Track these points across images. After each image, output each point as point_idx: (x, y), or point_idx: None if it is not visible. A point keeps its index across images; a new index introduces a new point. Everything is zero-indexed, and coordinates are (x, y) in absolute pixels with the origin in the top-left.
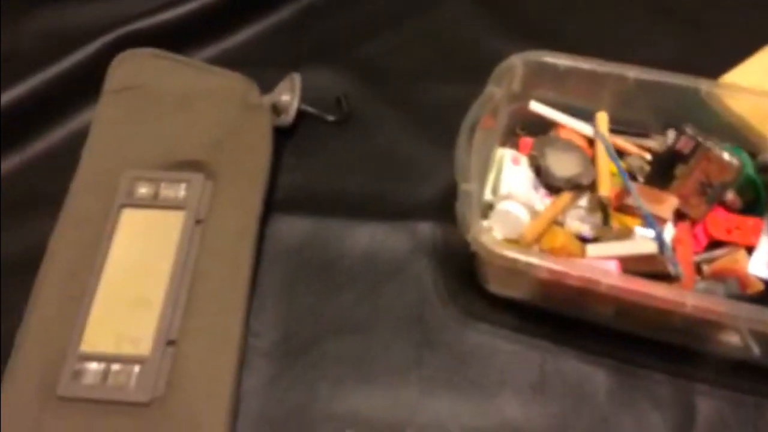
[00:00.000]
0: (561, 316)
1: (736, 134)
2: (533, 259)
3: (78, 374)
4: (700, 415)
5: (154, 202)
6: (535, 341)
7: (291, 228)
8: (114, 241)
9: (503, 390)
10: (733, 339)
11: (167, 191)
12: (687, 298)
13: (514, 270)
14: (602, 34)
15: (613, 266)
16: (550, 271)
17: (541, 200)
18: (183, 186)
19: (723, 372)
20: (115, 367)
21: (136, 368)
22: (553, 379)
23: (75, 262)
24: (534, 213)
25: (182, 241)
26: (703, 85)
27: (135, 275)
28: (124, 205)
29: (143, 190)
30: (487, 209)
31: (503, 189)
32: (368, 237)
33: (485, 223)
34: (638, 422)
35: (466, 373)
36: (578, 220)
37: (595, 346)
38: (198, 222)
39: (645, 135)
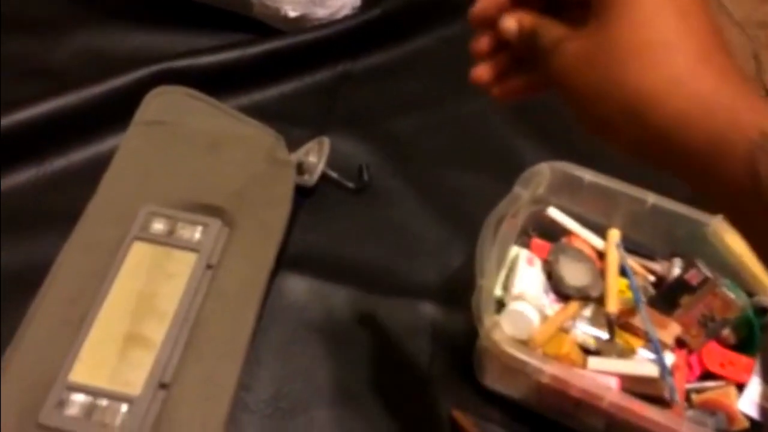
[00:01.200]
0: (549, 421)
1: (735, 272)
2: (541, 364)
3: (62, 404)
4: None
5: (167, 240)
6: None
7: (296, 286)
8: (121, 272)
9: None
10: None
11: (183, 231)
12: (683, 427)
13: (516, 369)
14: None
15: (613, 383)
16: (555, 378)
17: (550, 305)
18: (199, 229)
19: None
20: (102, 402)
21: (124, 407)
22: None
23: (77, 288)
24: (544, 316)
25: (191, 283)
26: (712, 220)
27: (137, 311)
28: (136, 238)
29: (159, 226)
30: (495, 305)
31: (516, 288)
32: (371, 309)
33: (495, 318)
34: None
35: None
36: (584, 330)
37: None
38: (209, 267)
39: (651, 258)
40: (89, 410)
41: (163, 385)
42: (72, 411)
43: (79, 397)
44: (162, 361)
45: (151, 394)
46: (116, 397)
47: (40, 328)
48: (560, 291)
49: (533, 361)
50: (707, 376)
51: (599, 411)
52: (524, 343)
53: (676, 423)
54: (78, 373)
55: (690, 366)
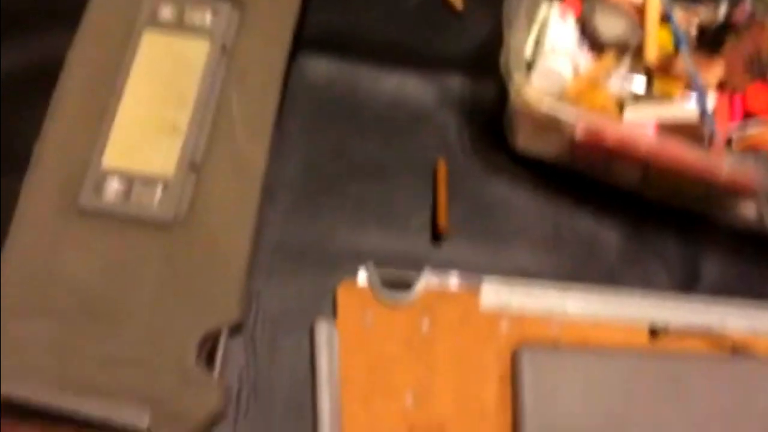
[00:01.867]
0: (582, 178)
1: None
2: (575, 117)
3: (99, 188)
4: (704, 277)
5: (177, 26)
6: (553, 198)
7: (317, 68)
8: (136, 60)
9: (518, 240)
10: (749, 210)
11: (192, 14)
12: (724, 164)
13: (549, 127)
14: None
15: (650, 130)
16: (589, 130)
17: (585, 59)
18: (209, 11)
19: (733, 238)
20: (138, 184)
21: (159, 187)
22: (566, 235)
23: (95, 77)
24: (577, 71)
25: (208, 67)
26: None
27: (157, 98)
28: (146, 26)
29: (167, 12)
30: (527, 64)
31: (548, 44)
32: (396, 85)
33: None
34: (644, 277)
35: (482, 223)
36: (620, 81)
37: (612, 208)
38: (224, 49)
39: (697, 0)
40: (126, 193)
41: (194, 166)
42: (110, 195)
43: (114, 181)
44: (190, 143)
45: (183, 175)
46: (150, 180)
47: (65, 119)
48: (596, 42)
49: (566, 115)
50: (747, 119)
51: (635, 161)
52: (557, 99)
53: (717, 162)
54: (111, 159)
55: (732, 109)
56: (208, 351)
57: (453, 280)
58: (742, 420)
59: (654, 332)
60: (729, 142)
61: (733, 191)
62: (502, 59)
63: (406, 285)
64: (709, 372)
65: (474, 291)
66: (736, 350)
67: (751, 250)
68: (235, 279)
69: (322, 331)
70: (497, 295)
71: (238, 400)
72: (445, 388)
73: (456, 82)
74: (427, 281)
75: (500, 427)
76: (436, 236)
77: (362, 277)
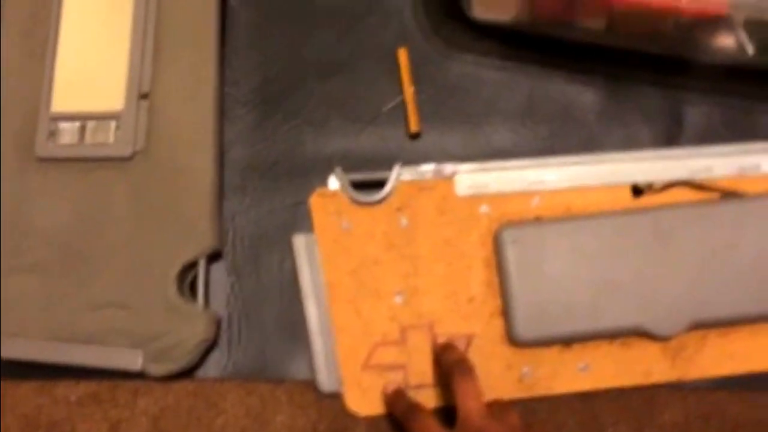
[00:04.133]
0: (549, 41)
1: None
2: None
3: (54, 134)
4: (688, 123)
5: None
6: (522, 68)
7: None
8: None
9: (491, 118)
10: (726, 41)
11: None
12: None
13: None
14: None
15: None
16: None
17: None
18: None
19: (713, 78)
20: (91, 124)
21: (113, 124)
22: (541, 103)
23: (29, 20)
24: None
25: None
26: None
27: (95, 29)
28: None
29: None
30: None
31: None
32: None
33: None
34: (627, 136)
35: (452, 105)
36: None
37: (584, 66)
38: None
39: None
40: (81, 134)
41: (143, 95)
42: (65, 139)
43: (67, 125)
44: (135, 72)
45: (134, 106)
46: (102, 117)
47: (8, 72)
48: None
49: None
50: None
51: (596, 3)
52: None
53: None
54: (59, 103)
55: None
56: (190, 281)
57: (427, 172)
58: (734, 261)
59: (637, 190)
60: None
61: (704, 20)
62: None
63: (379, 185)
64: (696, 219)
65: (449, 179)
66: (724, 194)
67: (733, 87)
68: (205, 205)
69: (300, 244)
70: (473, 179)
71: (229, 326)
72: (432, 281)
73: None
74: (400, 177)
75: (490, 311)
76: (411, 136)
77: (333, 183)
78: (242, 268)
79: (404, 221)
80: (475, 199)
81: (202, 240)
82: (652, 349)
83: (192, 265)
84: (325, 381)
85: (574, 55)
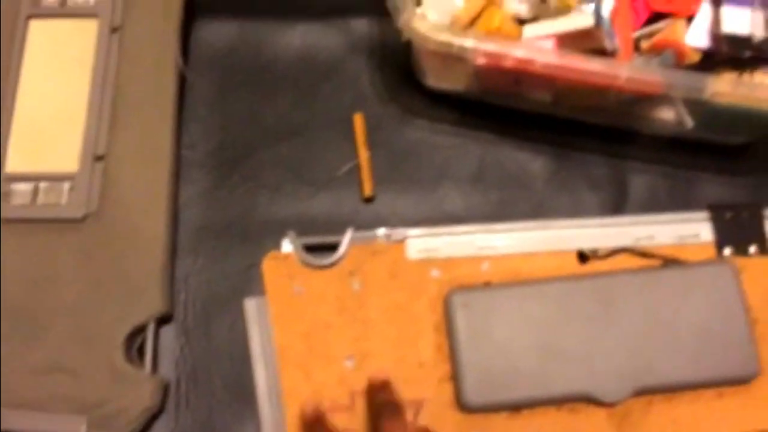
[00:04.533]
0: (500, 109)
1: None
2: (467, 42)
3: (6, 195)
4: (632, 191)
5: (63, 11)
6: (474, 134)
7: (217, 33)
8: (25, 55)
9: (443, 182)
10: (667, 115)
11: None
12: (622, 70)
13: (450, 58)
14: None
15: (549, 45)
16: (485, 53)
17: None
18: None
19: (656, 149)
20: (44, 185)
21: (66, 185)
22: (492, 170)
23: None
24: None
25: (99, 51)
26: None
27: (53, 91)
28: (30, 17)
29: None
30: None
31: None
32: (301, 37)
33: (419, 10)
34: (574, 203)
35: (406, 169)
36: (515, 0)
37: (534, 135)
38: (114, 30)
39: None
40: (33, 195)
41: (98, 158)
42: (17, 200)
43: (20, 186)
44: (91, 134)
45: (89, 168)
46: (56, 178)
47: None
48: None
49: (458, 41)
50: (657, 19)
51: (540, 80)
52: (449, 27)
53: (615, 67)
54: (13, 164)
55: (636, 11)
56: (139, 345)
57: (379, 237)
58: (676, 328)
59: (583, 256)
60: (638, 46)
61: (645, 97)
62: None
63: (332, 248)
64: (639, 285)
65: (401, 244)
66: (666, 262)
67: (676, 157)
68: (155, 269)
69: (252, 307)
70: (424, 244)
71: (177, 389)
72: (383, 345)
73: (362, 26)
74: (352, 241)
75: (440, 376)
76: (365, 199)
77: (287, 246)
78: (192, 331)
79: (356, 285)
80: (426, 263)
81: (152, 304)
82: (598, 415)
83: (141, 329)
84: None
85: (523, 124)
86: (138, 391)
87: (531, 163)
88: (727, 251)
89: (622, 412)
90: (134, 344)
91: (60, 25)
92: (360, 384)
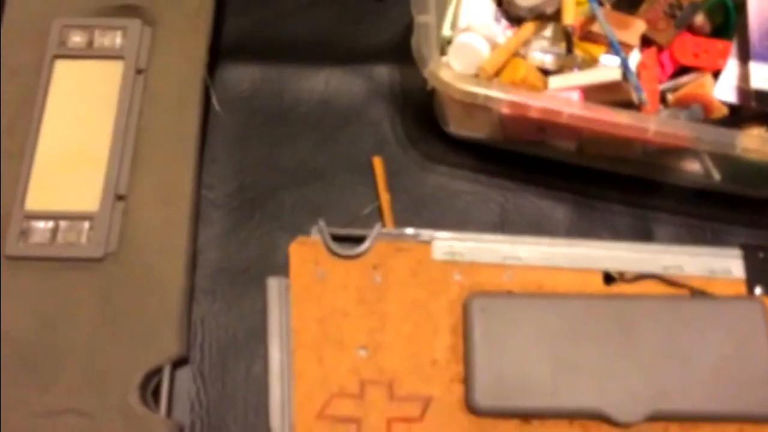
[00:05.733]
0: (522, 156)
1: None
2: (493, 92)
3: (26, 233)
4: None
5: (89, 52)
6: (496, 181)
7: (240, 77)
8: (50, 95)
9: (464, 229)
10: (693, 167)
11: (102, 39)
12: (650, 123)
13: (474, 106)
14: None
15: (575, 96)
16: (511, 104)
17: (503, 32)
18: (119, 33)
19: (681, 199)
20: (64, 224)
21: (86, 224)
22: (513, 217)
23: (11, 117)
24: (495, 46)
25: (123, 92)
26: None
27: (76, 130)
28: (57, 57)
29: (76, 39)
30: (446, 46)
31: (462, 21)
32: (323, 83)
33: (444, 59)
34: None
35: (427, 215)
36: (541, 51)
37: (556, 183)
38: (139, 72)
39: None
40: (53, 234)
41: (120, 197)
42: (36, 238)
43: (40, 224)
44: (113, 174)
45: (109, 208)
46: (76, 217)
47: None
48: (512, 14)
49: (484, 91)
50: (683, 72)
51: (565, 130)
52: (476, 77)
53: (643, 120)
54: (33, 201)
55: (662, 64)
56: (153, 388)
57: (406, 235)
58: (698, 359)
59: (609, 278)
60: (664, 98)
61: (671, 149)
62: (413, 42)
63: (358, 242)
64: (664, 312)
65: (427, 244)
66: (694, 292)
67: (701, 209)
68: (173, 311)
69: (273, 286)
70: (450, 247)
71: None
72: (397, 340)
73: (384, 73)
74: (379, 236)
75: (451, 378)
76: None
77: (315, 234)
78: (208, 374)
79: (378, 278)
80: (450, 265)
81: (168, 347)
82: None
83: (157, 371)
84: (278, 425)
85: (546, 171)
86: None
87: (553, 211)
88: (758, 290)
89: None
90: (150, 387)
91: (86, 66)
92: (371, 374)
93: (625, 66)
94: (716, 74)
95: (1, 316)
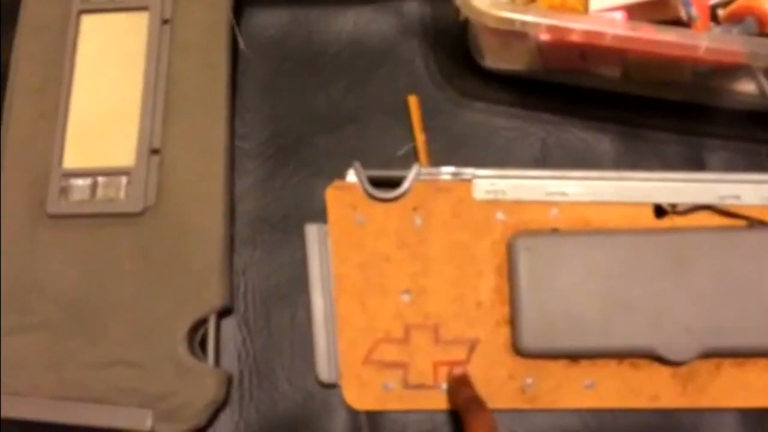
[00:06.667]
0: (563, 87)
1: None
2: (530, 17)
3: (65, 191)
4: (710, 170)
5: (114, 5)
6: (536, 115)
7: (267, 21)
8: (78, 51)
9: (504, 167)
10: (748, 87)
11: None
12: (701, 40)
13: (511, 35)
14: None
15: (619, 16)
16: (550, 28)
17: None
18: None
19: (735, 124)
20: (102, 180)
21: (124, 179)
22: (556, 151)
23: (41, 76)
24: None
25: (151, 44)
26: None
27: (106, 86)
28: (82, 11)
29: None
30: None
31: None
32: (352, 23)
33: None
34: None
35: (465, 154)
36: None
37: (599, 113)
38: (165, 22)
39: None
40: (92, 191)
41: (154, 151)
42: (76, 196)
43: (78, 182)
44: (146, 128)
45: (145, 162)
46: (113, 173)
47: (20, 128)
48: None
49: (524, 18)
50: None
51: (609, 55)
52: (512, 2)
53: (694, 37)
54: (71, 160)
55: None
56: (200, 338)
57: (445, 174)
58: (755, 292)
59: (661, 211)
60: (715, 16)
61: (724, 69)
62: None
63: (396, 185)
64: (720, 245)
65: (467, 183)
66: (752, 223)
67: (758, 133)
68: (215, 262)
69: (312, 233)
70: (492, 185)
71: (241, 383)
72: (441, 283)
73: (414, 7)
74: (418, 176)
75: (497, 319)
76: None
77: (351, 177)
78: (253, 324)
79: (418, 221)
80: (492, 204)
81: (212, 297)
82: (662, 373)
83: (202, 322)
84: (325, 372)
85: (589, 102)
86: (202, 385)
87: (598, 143)
88: None
89: (688, 373)
90: (196, 337)
91: (111, 19)
92: (415, 318)
93: None
94: None
95: (46, 273)
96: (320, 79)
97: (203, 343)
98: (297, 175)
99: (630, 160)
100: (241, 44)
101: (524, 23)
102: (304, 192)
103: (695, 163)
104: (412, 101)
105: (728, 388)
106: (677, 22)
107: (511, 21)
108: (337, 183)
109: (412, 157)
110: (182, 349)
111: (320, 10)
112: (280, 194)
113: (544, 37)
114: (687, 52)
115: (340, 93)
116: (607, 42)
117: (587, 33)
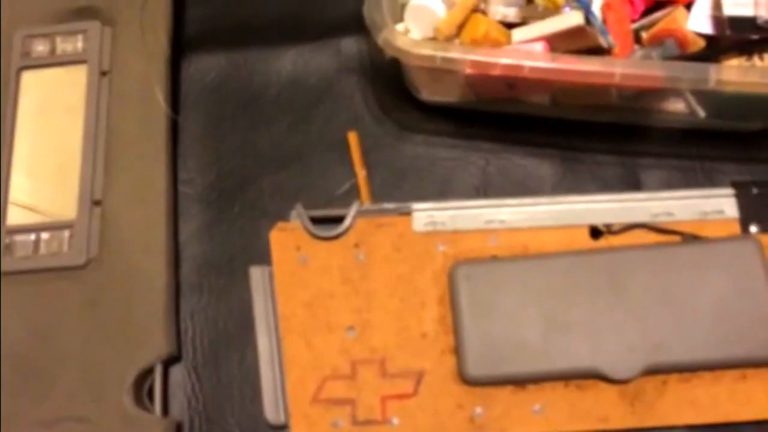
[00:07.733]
0: (499, 116)
1: None
2: (450, 53)
3: (9, 248)
4: (648, 189)
5: (53, 60)
6: (475, 144)
7: (206, 66)
8: (20, 107)
9: (446, 197)
10: (677, 106)
11: (64, 45)
12: (616, 67)
13: (439, 70)
14: None
15: (539, 48)
16: (471, 63)
17: None
18: (80, 37)
19: (668, 143)
20: (45, 235)
21: (66, 233)
22: (496, 179)
23: None
24: (453, 5)
25: (90, 96)
26: None
27: (48, 140)
28: (22, 68)
29: (39, 48)
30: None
31: None
32: (291, 62)
33: (401, 26)
34: None
35: (407, 187)
36: (502, 4)
37: (537, 139)
38: (103, 74)
39: None
40: (35, 246)
41: (96, 202)
42: (20, 252)
43: (22, 238)
44: (87, 179)
45: (87, 214)
46: (56, 227)
47: None
48: None
49: (441, 53)
50: (657, 8)
51: (534, 83)
52: (432, 39)
53: (608, 65)
54: (14, 216)
55: (632, 2)
56: (148, 387)
57: (385, 209)
58: (693, 306)
59: (596, 232)
60: (639, 38)
61: (649, 91)
62: (365, 9)
63: (338, 222)
64: (656, 261)
65: (407, 217)
66: (686, 238)
67: (690, 149)
68: (159, 310)
69: (257, 275)
70: (430, 217)
71: (191, 430)
72: (385, 316)
73: (352, 45)
74: (358, 214)
75: (442, 348)
76: None
77: (294, 218)
78: (202, 369)
79: (361, 256)
80: (432, 236)
81: (157, 345)
82: (608, 393)
83: (150, 371)
84: (273, 414)
85: (526, 128)
86: None
87: (537, 168)
88: (754, 228)
89: (635, 391)
90: (144, 387)
91: (51, 74)
92: (361, 353)
93: (586, 9)
94: (689, 7)
95: None
96: (262, 119)
97: (151, 393)
98: (242, 218)
99: (569, 184)
100: (162, 102)
101: (444, 59)
102: (250, 234)
103: (632, 182)
104: (352, 138)
105: (676, 405)
106: (599, 50)
107: (432, 58)
108: (280, 225)
109: (355, 194)
110: (128, 400)
111: (259, 52)
112: (226, 237)
113: (468, 71)
114: (604, 79)
115: (282, 132)
116: (526, 74)
117: (507, 66)
